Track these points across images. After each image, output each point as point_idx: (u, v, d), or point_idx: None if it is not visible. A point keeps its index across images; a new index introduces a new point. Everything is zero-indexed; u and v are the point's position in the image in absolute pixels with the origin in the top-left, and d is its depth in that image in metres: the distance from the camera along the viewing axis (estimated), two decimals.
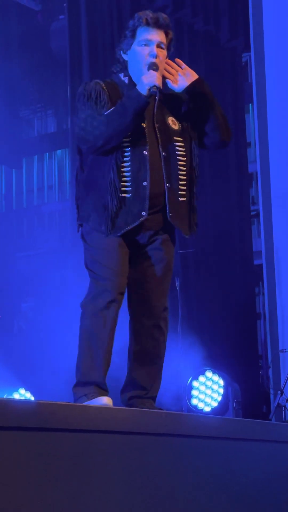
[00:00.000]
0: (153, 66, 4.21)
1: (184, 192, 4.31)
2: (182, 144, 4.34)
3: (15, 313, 9.11)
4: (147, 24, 4.28)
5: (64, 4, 9.32)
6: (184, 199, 4.31)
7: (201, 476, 3.74)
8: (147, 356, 4.30)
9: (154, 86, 4.12)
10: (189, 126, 4.40)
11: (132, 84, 4.28)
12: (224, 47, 10.07)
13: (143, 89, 4.12)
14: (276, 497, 4.34)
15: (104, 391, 4.09)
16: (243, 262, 9.85)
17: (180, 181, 4.30)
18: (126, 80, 4.35)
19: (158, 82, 4.15)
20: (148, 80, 4.13)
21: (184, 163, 4.33)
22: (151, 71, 4.17)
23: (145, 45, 4.28)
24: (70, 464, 3.01)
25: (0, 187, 14.00)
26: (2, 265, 9.83)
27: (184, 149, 4.34)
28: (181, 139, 4.35)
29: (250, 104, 10.89)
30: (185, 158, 4.33)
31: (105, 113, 4.14)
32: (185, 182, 4.32)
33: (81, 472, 3.05)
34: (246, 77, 11.14)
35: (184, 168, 4.32)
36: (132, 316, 4.33)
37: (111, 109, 4.15)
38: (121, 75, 4.37)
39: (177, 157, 4.31)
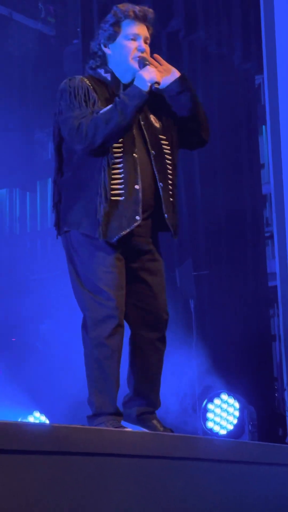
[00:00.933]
0: (146, 62, 4.12)
1: (172, 192, 4.21)
2: (167, 142, 4.24)
3: (33, 334, 9.10)
4: (135, 17, 4.19)
5: (78, 29, 9.35)
6: (172, 199, 4.21)
7: (216, 499, 3.71)
8: (152, 370, 4.21)
9: (156, 82, 4.03)
10: (170, 124, 4.28)
11: (116, 80, 4.19)
12: (238, 69, 10.09)
13: (144, 85, 4.01)
14: None
15: (120, 417, 4.04)
16: (257, 283, 9.84)
17: (169, 181, 4.20)
18: (108, 76, 4.22)
19: (158, 78, 4.05)
20: (149, 77, 4.02)
21: (171, 162, 4.24)
22: (149, 67, 4.07)
23: (132, 39, 4.17)
24: (85, 487, 2.99)
25: (14, 210, 14.02)
26: (18, 287, 9.85)
27: (169, 147, 4.24)
28: (165, 137, 4.24)
29: (263, 126, 10.89)
30: (171, 157, 4.24)
31: (102, 111, 4.00)
32: (172, 182, 4.22)
33: (96, 495, 3.03)
34: (259, 99, 11.15)
35: (171, 167, 4.23)
36: (133, 329, 4.21)
37: (109, 107, 4.00)
38: (101, 71, 4.23)
39: (165, 156, 4.21)
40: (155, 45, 4.35)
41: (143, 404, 4.20)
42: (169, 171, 4.22)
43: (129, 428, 4.00)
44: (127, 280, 4.11)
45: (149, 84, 4.02)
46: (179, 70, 4.29)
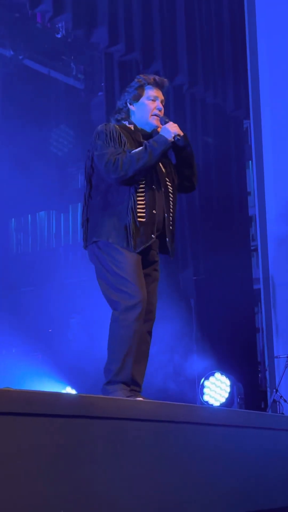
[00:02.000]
0: (166, 119, 4.27)
1: (172, 223, 4.27)
2: (171, 184, 4.30)
3: (65, 326, 9.10)
4: (155, 83, 4.32)
5: (102, 84, 9.37)
6: (172, 228, 4.27)
7: (211, 455, 3.70)
8: (141, 356, 4.15)
9: (178, 135, 4.15)
10: (172, 172, 4.35)
11: (137, 130, 4.27)
12: (229, 116, 10.10)
13: (169, 136, 4.14)
14: (272, 471, 4.30)
15: (129, 387, 4.02)
16: (244, 286, 9.82)
17: (171, 213, 4.25)
18: (132, 127, 4.30)
19: (180, 132, 4.17)
20: (174, 130, 4.15)
21: (173, 199, 4.29)
22: (171, 123, 4.20)
23: (153, 100, 4.29)
24: (106, 445, 2.99)
25: (51, 227, 14.04)
26: (54, 290, 9.87)
27: (172, 188, 4.31)
28: (168, 180, 4.30)
29: (250, 161, 10.88)
30: (173, 196, 4.29)
31: (134, 151, 4.10)
32: (173, 215, 4.27)
33: (114, 452, 3.03)
34: (247, 140, 11.13)
35: (173, 204, 4.28)
36: None
37: (140, 149, 4.10)
38: (126, 123, 4.31)
39: (169, 194, 4.27)
40: (164, 97, 4.42)
41: (132, 384, 4.11)
42: (171, 207, 4.28)
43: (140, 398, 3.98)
44: None
45: (173, 135, 4.15)
46: (182, 117, 4.40)
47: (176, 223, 4.33)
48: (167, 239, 4.22)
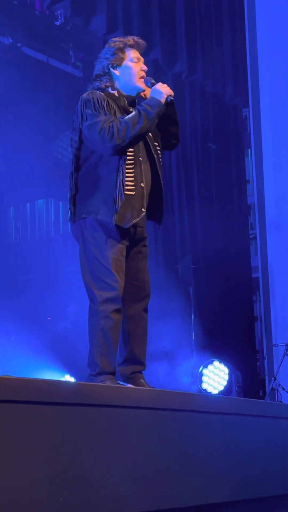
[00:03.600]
0: (152, 80, 4.10)
1: (162, 187, 4.16)
2: (159, 147, 4.18)
3: (63, 315, 9.10)
4: (136, 45, 4.16)
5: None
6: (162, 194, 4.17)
7: (209, 443, 3.71)
8: (140, 335, 4.12)
9: (171, 95, 4.01)
10: (157, 133, 4.19)
11: (122, 96, 4.10)
12: (229, 104, 10.08)
13: (161, 97, 3.98)
14: (270, 458, 4.31)
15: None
16: (243, 275, 9.84)
17: (161, 179, 4.14)
18: (115, 93, 4.10)
19: (171, 92, 4.03)
20: (166, 90, 4.00)
21: (161, 163, 4.17)
22: (160, 83, 4.05)
23: (136, 62, 4.13)
24: (104, 433, 3.00)
25: (50, 216, 14.03)
26: (53, 277, 9.86)
27: (160, 151, 4.18)
28: (157, 143, 4.18)
29: (249, 149, 10.88)
30: (161, 159, 4.17)
31: (128, 117, 3.94)
32: (161, 179, 4.16)
33: (113, 440, 3.03)
34: (246, 128, 11.12)
35: (160, 169, 4.16)
36: (125, 302, 4.05)
37: (134, 113, 3.94)
38: (109, 89, 4.11)
39: (160, 159, 4.15)
40: (151, 76, 4.30)
41: (135, 363, 4.11)
42: (161, 171, 4.15)
43: (125, 385, 3.97)
44: (127, 261, 4.04)
45: (165, 96, 4.00)
46: (181, 105, 4.27)
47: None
48: (164, 205, 4.13)
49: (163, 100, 3.99)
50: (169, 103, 4.04)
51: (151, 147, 4.11)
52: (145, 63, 4.24)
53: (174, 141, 4.29)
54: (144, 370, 4.15)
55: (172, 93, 4.04)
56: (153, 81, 4.10)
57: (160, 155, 4.17)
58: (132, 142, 3.93)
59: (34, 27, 9.64)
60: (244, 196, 10.20)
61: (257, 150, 9.57)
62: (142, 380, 4.09)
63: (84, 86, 11.20)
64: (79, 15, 8.33)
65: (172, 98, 4.03)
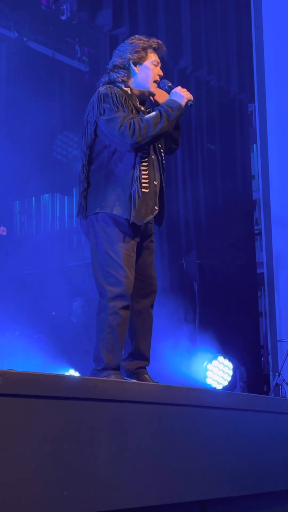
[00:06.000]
0: (169, 83, 4.10)
1: (164, 190, 4.15)
2: (163, 150, 4.18)
3: (68, 309, 9.11)
4: (159, 48, 4.15)
5: (107, 66, 9.33)
6: (163, 196, 4.15)
7: (213, 438, 3.72)
8: (146, 331, 4.12)
9: (190, 100, 4.01)
10: None
11: (135, 95, 4.07)
12: (234, 99, 10.07)
13: (182, 100, 3.98)
14: (273, 454, 4.31)
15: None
16: (248, 270, 9.84)
17: (163, 181, 4.14)
18: (128, 91, 4.07)
19: (191, 97, 4.03)
20: (186, 94, 4.00)
21: (165, 165, 4.17)
22: (180, 87, 4.04)
23: (156, 65, 4.12)
24: (108, 428, 3.00)
25: (55, 210, 14.05)
26: (57, 272, 9.87)
27: (164, 155, 4.18)
28: (161, 146, 4.17)
29: (254, 145, 10.87)
30: (165, 163, 4.16)
31: (149, 116, 3.92)
32: (164, 183, 4.15)
33: (117, 434, 3.04)
34: (251, 123, 11.11)
35: (164, 172, 4.16)
36: (134, 298, 4.04)
37: (155, 114, 3.93)
38: (122, 85, 4.07)
39: (164, 161, 4.15)
40: (168, 80, 4.30)
41: (140, 359, 4.11)
42: (164, 174, 4.15)
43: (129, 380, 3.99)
44: (137, 256, 4.04)
45: (186, 100, 4.00)
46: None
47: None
48: (164, 207, 4.12)
49: (183, 104, 4.00)
50: (188, 107, 4.04)
51: (157, 149, 4.12)
52: None
53: (174, 145, 4.29)
54: (148, 365, 4.16)
55: (192, 97, 4.04)
56: (170, 84, 4.11)
57: (163, 157, 4.17)
58: (151, 141, 3.94)
59: (40, 22, 9.63)
60: (249, 191, 10.19)
61: (263, 145, 9.56)
62: (146, 376, 4.09)
63: (90, 81, 11.23)
64: (85, 9, 8.32)
65: (192, 102, 4.03)
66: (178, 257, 8.89)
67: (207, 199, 9.49)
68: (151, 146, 4.04)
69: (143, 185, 3.95)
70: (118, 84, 4.08)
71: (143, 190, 3.94)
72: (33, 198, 13.51)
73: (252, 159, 10.71)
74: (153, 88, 4.12)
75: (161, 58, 4.21)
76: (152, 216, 4.00)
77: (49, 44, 10.08)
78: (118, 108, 3.92)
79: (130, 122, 3.87)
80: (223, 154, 9.82)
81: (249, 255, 9.92)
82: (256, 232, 10.59)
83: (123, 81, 4.09)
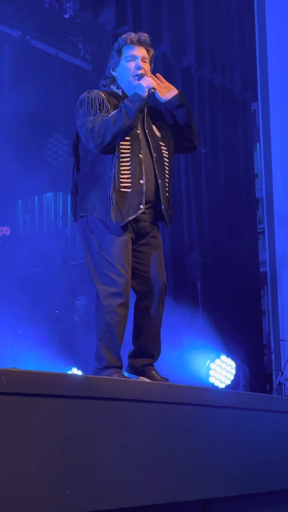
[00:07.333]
0: (140, 74, 4.05)
1: (168, 189, 4.12)
2: (166, 148, 4.14)
3: (70, 308, 9.12)
4: (131, 42, 4.09)
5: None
6: (168, 194, 4.11)
7: (216, 437, 3.71)
8: (154, 328, 4.12)
9: (153, 88, 3.98)
10: (168, 134, 4.19)
11: (124, 95, 4.09)
12: (237, 98, 10.07)
13: (143, 91, 3.94)
14: (276, 453, 4.31)
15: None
16: (251, 269, 9.83)
17: (166, 179, 4.10)
18: (119, 92, 4.13)
19: (154, 85, 4.00)
20: (146, 83, 3.96)
21: (168, 164, 4.14)
22: (145, 77, 4.01)
23: (130, 60, 4.08)
24: (111, 427, 3.00)
25: (58, 209, 14.04)
26: (59, 271, 9.88)
27: (167, 153, 4.14)
28: (164, 144, 4.15)
29: (257, 144, 10.86)
30: (168, 160, 4.14)
31: (110, 115, 3.93)
32: (168, 181, 4.12)
33: (120, 433, 3.03)
34: (254, 122, 11.10)
35: (168, 169, 4.13)
36: (139, 295, 4.08)
37: (116, 111, 3.93)
38: (113, 88, 4.15)
39: (164, 159, 4.11)
40: (172, 78, 4.30)
41: (145, 356, 4.11)
42: (167, 171, 4.12)
43: (132, 378, 3.99)
44: (134, 254, 4.03)
45: (147, 90, 3.96)
46: (190, 99, 4.23)
47: (172, 189, 4.16)
48: (162, 206, 4.06)
49: (144, 94, 3.95)
50: (152, 95, 4.01)
51: (151, 147, 4.08)
52: (153, 57, 4.20)
53: (187, 144, 4.27)
54: (154, 362, 4.15)
55: (153, 85, 3.99)
56: (140, 74, 4.05)
57: (164, 155, 4.13)
58: (116, 139, 3.91)
59: (43, 20, 9.64)
60: (252, 190, 10.19)
61: (266, 144, 9.55)
62: (153, 372, 4.09)
63: (93, 79, 11.24)
64: (88, 8, 8.32)
65: (153, 90, 4.00)
66: (181, 256, 8.89)
67: (210, 197, 9.49)
68: (141, 144, 4.03)
69: (123, 184, 3.93)
70: (110, 87, 4.14)
71: (122, 190, 3.92)
72: (36, 196, 13.50)
73: (255, 158, 10.70)
74: (134, 82, 4.06)
75: (150, 50, 4.16)
76: (134, 216, 3.95)
77: (52, 43, 10.08)
78: (90, 112, 3.96)
79: (92, 126, 3.90)
80: (226, 153, 9.81)
81: (252, 254, 9.91)
82: (259, 231, 10.59)
83: (107, 85, 4.16)
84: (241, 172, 10.04)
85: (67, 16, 9.84)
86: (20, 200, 12.97)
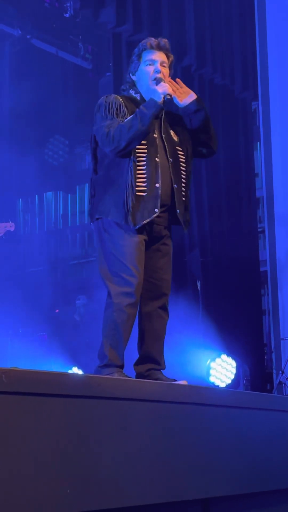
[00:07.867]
0: (157, 79, 4.02)
1: (185, 193, 4.12)
2: (183, 153, 4.14)
3: (71, 307, 9.13)
4: (151, 47, 4.11)
5: (110, 64, 9.34)
6: (184, 199, 4.12)
7: (216, 437, 3.71)
8: (157, 334, 4.11)
9: (168, 94, 3.96)
10: (186, 139, 4.18)
11: (143, 99, 4.09)
12: (237, 97, 10.07)
13: (158, 97, 3.94)
14: (276, 452, 4.31)
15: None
16: (251, 268, 9.83)
17: (183, 184, 4.11)
18: (138, 96, 4.13)
19: (170, 91, 3.99)
20: (162, 90, 3.95)
21: (185, 169, 4.13)
22: (163, 83, 4.00)
23: (150, 64, 4.09)
24: (111, 426, 3.00)
25: (58, 208, 14.06)
26: (60, 270, 9.89)
27: (184, 157, 4.14)
28: (181, 148, 4.15)
29: (258, 143, 10.86)
30: (185, 165, 4.14)
31: (126, 120, 3.94)
32: (185, 185, 4.13)
33: (120, 433, 3.03)
34: (255, 121, 11.10)
35: (185, 174, 4.13)
36: (143, 300, 4.07)
37: (131, 116, 3.94)
38: (132, 92, 4.16)
39: (180, 163, 4.11)
40: (173, 78, 4.29)
41: (150, 362, 4.10)
42: (183, 176, 4.12)
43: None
44: (145, 258, 4.03)
45: (162, 96, 3.96)
46: None
47: (189, 193, 4.18)
48: (177, 210, 4.06)
49: (160, 101, 3.95)
50: (169, 101, 4.01)
51: (168, 151, 4.09)
52: (173, 62, 4.21)
53: (204, 149, 4.27)
54: (161, 368, 4.13)
55: (169, 91, 3.99)
56: (158, 79, 4.03)
57: (180, 160, 4.13)
58: (131, 144, 3.92)
59: (43, 19, 9.65)
60: (252, 189, 10.19)
61: (266, 143, 9.56)
62: (159, 375, 4.08)
63: (93, 78, 11.20)
64: (88, 7, 8.33)
65: (169, 96, 3.99)
66: (181, 255, 8.89)
67: (210, 196, 9.49)
68: (157, 148, 4.04)
69: (138, 188, 3.95)
70: (129, 92, 4.16)
71: (138, 194, 3.94)
72: (36, 196, 13.52)
73: (255, 157, 10.70)
74: (153, 86, 4.04)
75: (169, 55, 4.17)
76: (149, 220, 3.97)
77: (52, 42, 10.10)
78: (107, 117, 3.98)
79: (108, 130, 3.92)
80: (226, 152, 9.81)
81: (252, 253, 9.91)
82: (259, 230, 10.59)
83: (126, 90, 4.18)
84: (242, 171, 10.04)
85: (67, 15, 9.85)
86: (20, 199, 12.98)
